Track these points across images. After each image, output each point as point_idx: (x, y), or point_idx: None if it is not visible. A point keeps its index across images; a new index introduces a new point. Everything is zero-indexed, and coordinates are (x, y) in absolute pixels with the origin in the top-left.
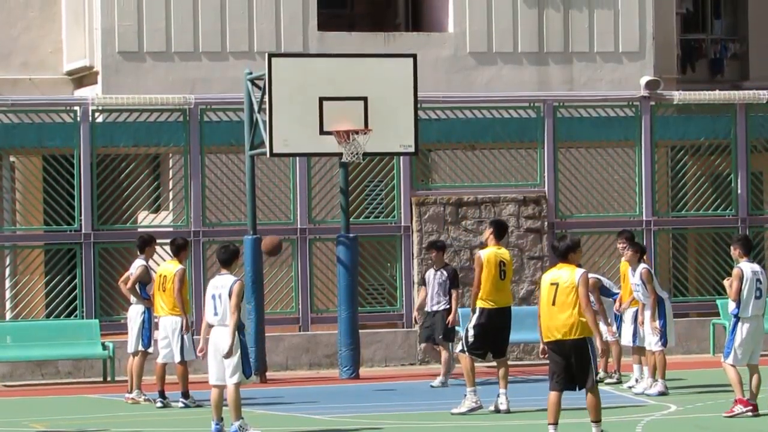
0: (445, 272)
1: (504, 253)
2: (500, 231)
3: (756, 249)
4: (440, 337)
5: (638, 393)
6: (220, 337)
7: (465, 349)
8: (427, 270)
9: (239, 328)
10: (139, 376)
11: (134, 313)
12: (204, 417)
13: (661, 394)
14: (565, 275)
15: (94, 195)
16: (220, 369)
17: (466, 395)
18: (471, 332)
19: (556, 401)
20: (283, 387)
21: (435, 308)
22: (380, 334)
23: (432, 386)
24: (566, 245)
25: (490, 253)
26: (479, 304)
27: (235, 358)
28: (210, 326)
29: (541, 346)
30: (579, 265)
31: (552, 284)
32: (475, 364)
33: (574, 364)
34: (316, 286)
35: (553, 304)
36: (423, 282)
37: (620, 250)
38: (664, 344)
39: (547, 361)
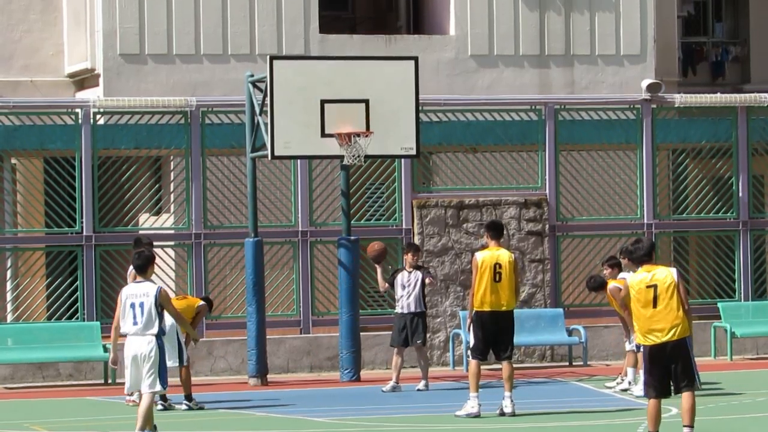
0: (419, 273)
1: (502, 254)
2: (495, 231)
3: (757, 252)
4: (419, 341)
5: (639, 396)
6: (140, 347)
7: (470, 354)
8: (400, 272)
9: (159, 334)
10: None
11: None
12: (205, 420)
13: None
14: (662, 275)
15: (95, 197)
16: (140, 378)
17: (468, 399)
18: (472, 337)
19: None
20: (284, 389)
21: (413, 310)
22: (381, 337)
23: (418, 390)
24: (650, 243)
25: (486, 255)
26: (475, 306)
27: (156, 367)
28: (123, 335)
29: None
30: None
31: (648, 287)
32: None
33: (678, 366)
34: (317, 288)
35: (655, 306)
36: (391, 283)
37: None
38: None
39: (548, 364)
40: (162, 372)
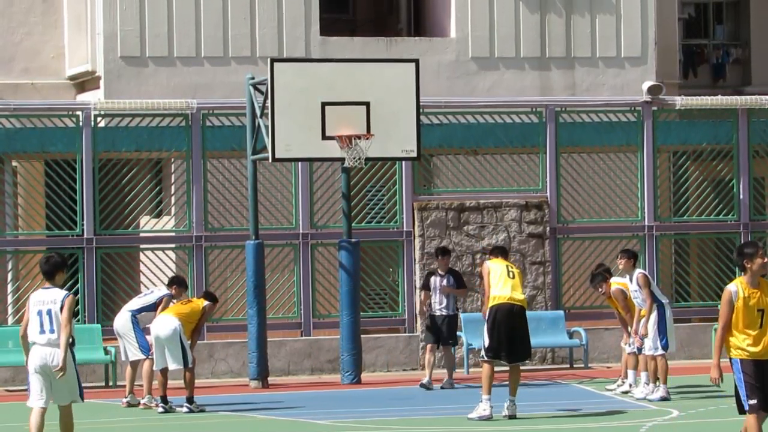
0: (452, 277)
1: (510, 263)
2: (500, 252)
3: None
4: (450, 341)
5: (640, 398)
6: (51, 358)
7: (483, 355)
8: (430, 276)
9: (70, 343)
10: (148, 382)
11: (123, 321)
12: (206, 423)
13: (663, 399)
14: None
15: (96, 200)
16: (47, 389)
17: (481, 401)
18: (486, 336)
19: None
20: (285, 392)
21: (445, 312)
22: (382, 339)
23: (442, 387)
24: (737, 253)
25: (496, 260)
26: (490, 303)
27: (71, 377)
28: (32, 344)
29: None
30: (763, 276)
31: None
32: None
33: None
34: (318, 291)
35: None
36: (426, 287)
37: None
38: (665, 349)
39: (549, 366)
40: (78, 381)
